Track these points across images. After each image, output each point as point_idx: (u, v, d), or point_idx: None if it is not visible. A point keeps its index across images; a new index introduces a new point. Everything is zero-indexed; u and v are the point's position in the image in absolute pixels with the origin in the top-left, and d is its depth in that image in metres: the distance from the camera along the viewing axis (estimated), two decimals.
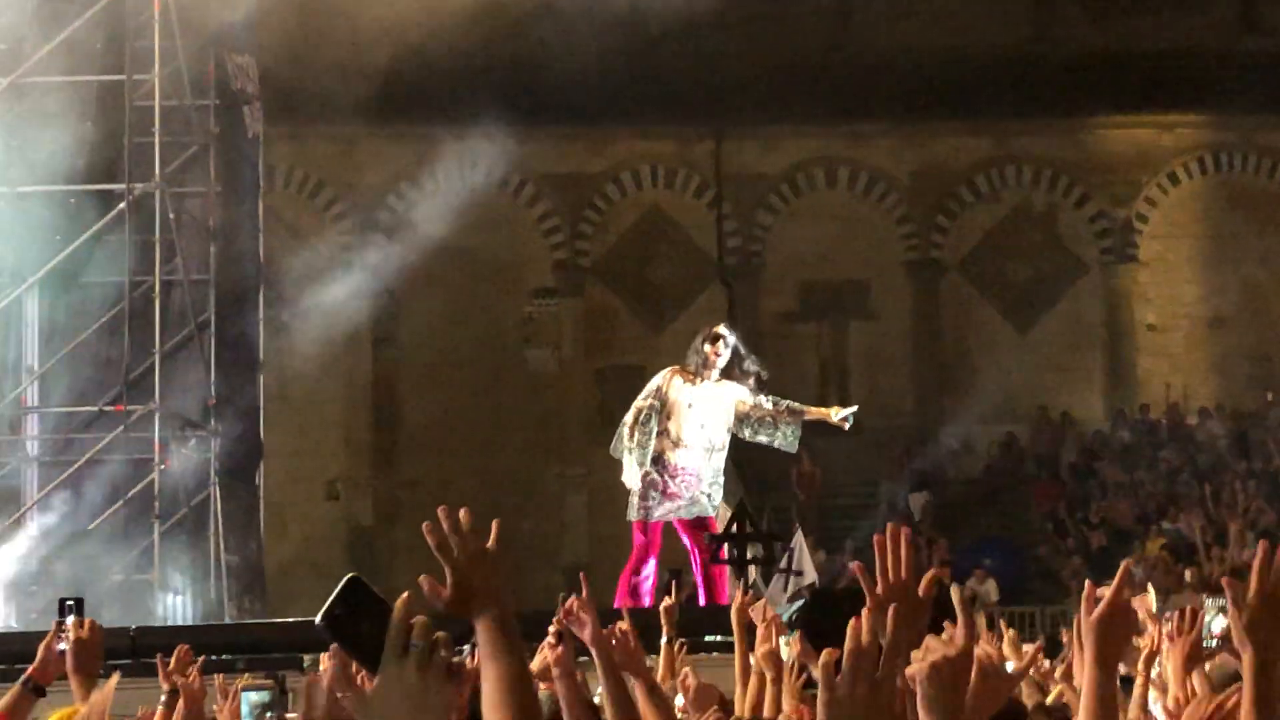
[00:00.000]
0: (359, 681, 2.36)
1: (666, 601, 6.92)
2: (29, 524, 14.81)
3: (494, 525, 3.12)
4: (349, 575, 2.41)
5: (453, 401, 25.19)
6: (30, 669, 5.30)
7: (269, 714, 4.96)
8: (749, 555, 11.99)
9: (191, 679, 5.58)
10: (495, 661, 3.05)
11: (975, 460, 25.39)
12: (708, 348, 12.00)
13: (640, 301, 26.25)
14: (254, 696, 4.89)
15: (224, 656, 10.77)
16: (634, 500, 12.08)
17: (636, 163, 26.38)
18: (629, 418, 12.15)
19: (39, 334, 15.57)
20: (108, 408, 15.11)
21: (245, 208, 16.58)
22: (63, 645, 5.27)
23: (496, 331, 25.62)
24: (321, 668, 6.80)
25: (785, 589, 12.23)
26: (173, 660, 5.68)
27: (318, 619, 2.28)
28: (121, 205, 15.04)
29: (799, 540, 13.54)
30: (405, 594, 2.40)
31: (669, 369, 12.27)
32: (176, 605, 14.54)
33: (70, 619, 5.33)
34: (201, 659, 5.69)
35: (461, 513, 3.10)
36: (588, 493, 25.60)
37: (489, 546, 3.11)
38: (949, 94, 24.79)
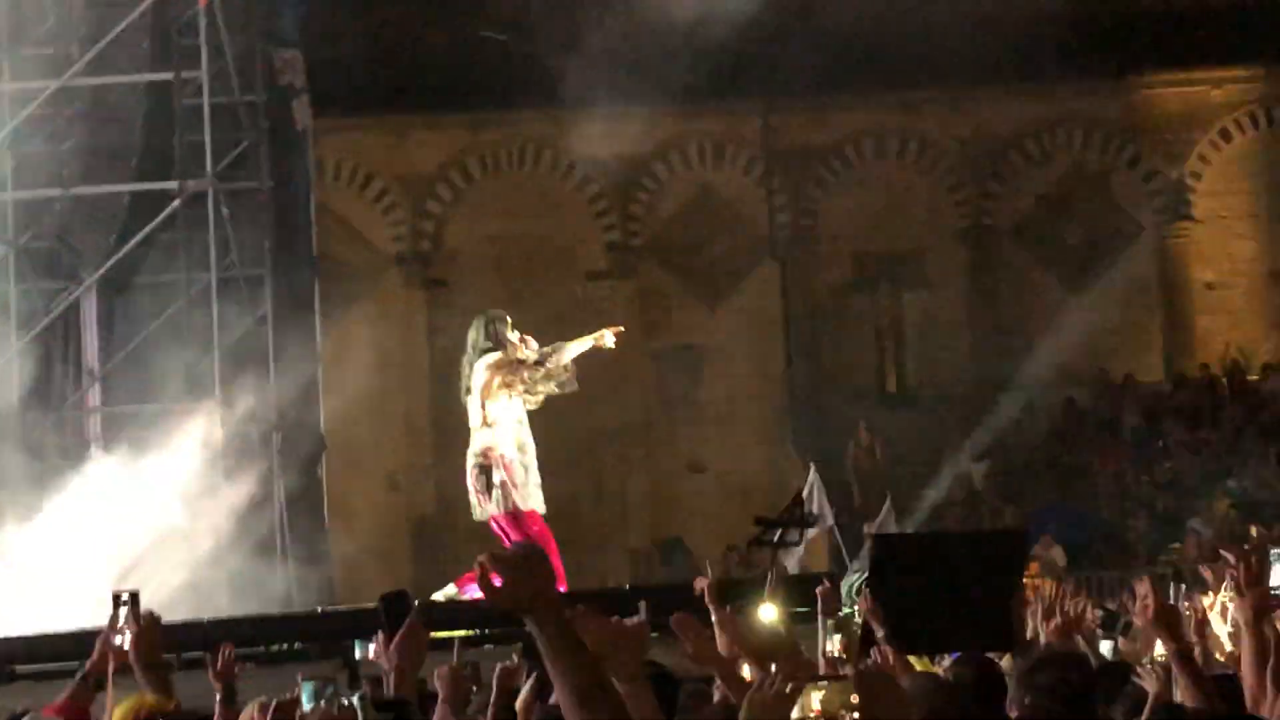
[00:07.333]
0: None
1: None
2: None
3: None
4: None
5: None
6: (89, 663, 5.33)
7: (330, 689, 5.03)
8: (789, 539, 12.04)
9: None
10: (561, 658, 3.05)
11: (1037, 426, 25.25)
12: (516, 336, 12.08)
13: (693, 281, 26.21)
14: (311, 685, 4.97)
15: (296, 645, 10.87)
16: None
17: (684, 141, 26.33)
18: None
19: (98, 335, 15.72)
20: (170, 406, 15.24)
21: (298, 202, 16.66)
22: (119, 638, 5.28)
23: (551, 315, 25.59)
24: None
25: (800, 539, 12.27)
26: (218, 660, 5.70)
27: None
28: (174, 204, 15.15)
29: (813, 479, 13.60)
30: None
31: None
32: (245, 598, 14.64)
33: (124, 611, 5.33)
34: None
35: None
36: (648, 474, 25.61)
37: (534, 549, 3.19)
38: (996, 58, 24.61)
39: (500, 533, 11.95)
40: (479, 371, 11.98)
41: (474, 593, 11.63)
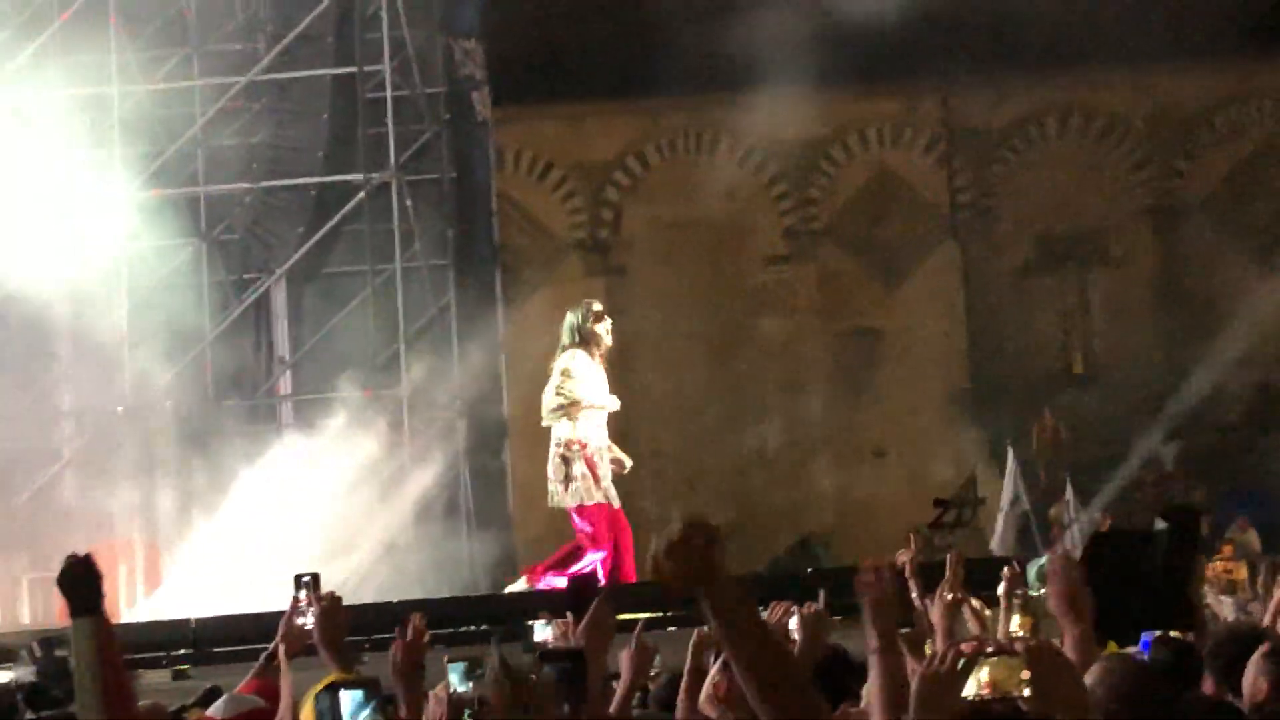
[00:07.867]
0: None
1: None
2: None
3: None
4: None
5: (688, 373, 25.29)
6: (274, 644, 5.45)
7: (481, 670, 5.08)
8: (965, 518, 12.00)
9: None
10: (737, 634, 3.04)
11: (1228, 407, 24.68)
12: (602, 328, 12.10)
13: (873, 263, 26.02)
14: (459, 666, 5.02)
15: (481, 628, 11.05)
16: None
17: (862, 123, 26.13)
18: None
19: (288, 324, 16.09)
20: (356, 393, 15.54)
21: (478, 192, 16.86)
22: (302, 619, 5.35)
23: (730, 301, 25.64)
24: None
25: (973, 518, 12.22)
26: (408, 631, 5.73)
27: None
28: (360, 195, 15.44)
29: (1012, 464, 13.48)
30: None
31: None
32: (431, 580, 14.89)
33: (304, 594, 5.39)
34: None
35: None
36: (827, 458, 25.49)
37: (709, 524, 3.15)
38: (1182, 32, 24.07)
39: (580, 524, 12.09)
40: (561, 365, 12.13)
41: (547, 584, 11.82)
